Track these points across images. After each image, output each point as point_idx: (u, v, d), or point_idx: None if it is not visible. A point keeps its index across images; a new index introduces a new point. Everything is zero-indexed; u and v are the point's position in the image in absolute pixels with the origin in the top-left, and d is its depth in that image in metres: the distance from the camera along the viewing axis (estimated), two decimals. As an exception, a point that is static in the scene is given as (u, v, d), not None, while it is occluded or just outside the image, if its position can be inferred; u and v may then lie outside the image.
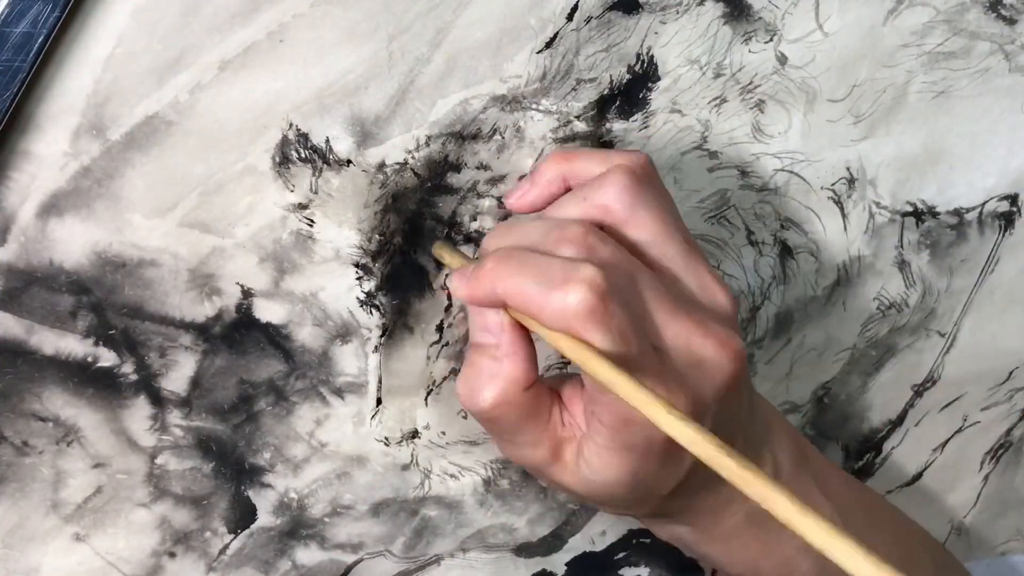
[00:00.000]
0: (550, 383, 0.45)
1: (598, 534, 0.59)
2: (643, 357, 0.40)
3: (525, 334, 0.43)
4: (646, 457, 0.42)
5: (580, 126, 0.51)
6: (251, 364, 0.49)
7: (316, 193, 0.48)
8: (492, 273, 0.42)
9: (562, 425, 0.44)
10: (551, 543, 0.58)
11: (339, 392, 0.51)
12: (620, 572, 0.61)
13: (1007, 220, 0.60)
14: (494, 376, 0.43)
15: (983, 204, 0.59)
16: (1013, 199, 0.59)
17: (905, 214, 0.58)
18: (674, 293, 0.43)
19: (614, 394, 0.38)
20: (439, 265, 0.51)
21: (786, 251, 0.57)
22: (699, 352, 0.42)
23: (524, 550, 0.58)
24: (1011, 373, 0.64)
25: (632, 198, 0.44)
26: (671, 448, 0.41)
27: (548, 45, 0.49)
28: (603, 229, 0.44)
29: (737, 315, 0.46)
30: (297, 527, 0.53)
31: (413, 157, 0.49)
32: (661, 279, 0.43)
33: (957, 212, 0.59)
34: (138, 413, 0.48)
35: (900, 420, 0.64)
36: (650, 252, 0.44)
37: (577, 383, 0.44)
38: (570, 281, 0.39)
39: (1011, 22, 0.55)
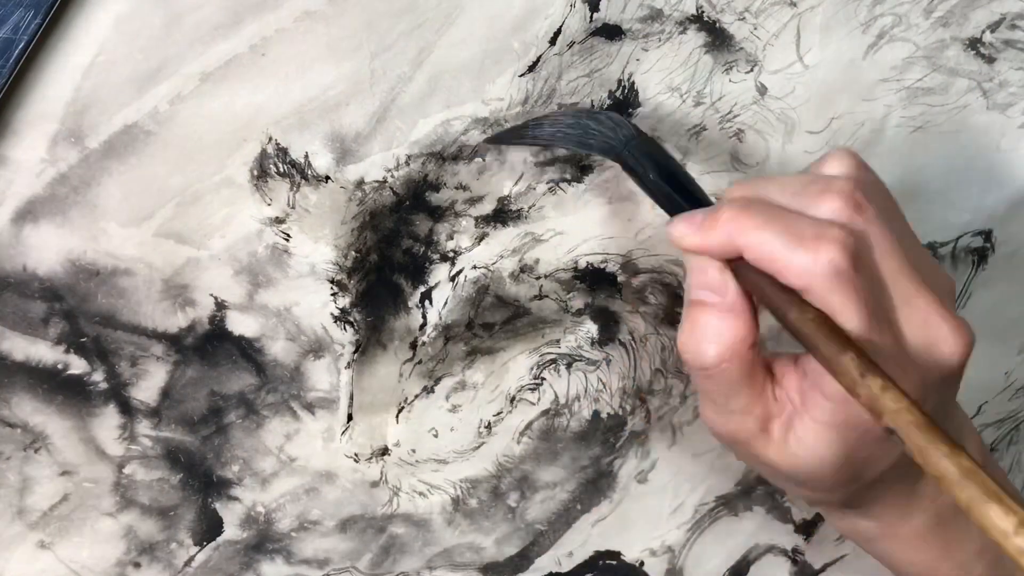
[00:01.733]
0: (764, 358, 0.44)
1: (565, 555, 0.59)
2: (884, 333, 0.39)
3: (748, 294, 0.42)
4: (864, 436, 0.41)
5: (561, 151, 0.51)
6: (222, 376, 0.49)
7: (293, 208, 0.48)
8: (732, 223, 0.40)
9: (774, 399, 0.43)
10: (518, 563, 0.58)
11: (310, 407, 0.51)
12: (586, 595, 0.61)
13: (980, 256, 0.60)
14: (720, 332, 0.41)
15: (957, 239, 0.59)
16: (987, 235, 0.60)
17: (880, 247, 0.58)
18: (917, 264, 0.42)
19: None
20: (413, 283, 0.51)
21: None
22: (935, 334, 0.41)
23: (491, 570, 0.58)
24: (980, 407, 0.64)
25: (864, 169, 0.43)
26: None
27: (530, 69, 0.49)
28: None
29: (955, 297, 0.44)
30: (264, 541, 0.53)
31: (392, 175, 0.49)
32: (907, 249, 0.42)
33: (931, 246, 0.59)
34: (107, 422, 0.48)
35: (870, 451, 0.64)
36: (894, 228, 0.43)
37: (790, 359, 0.43)
38: (822, 239, 0.38)
39: (990, 60, 0.56)
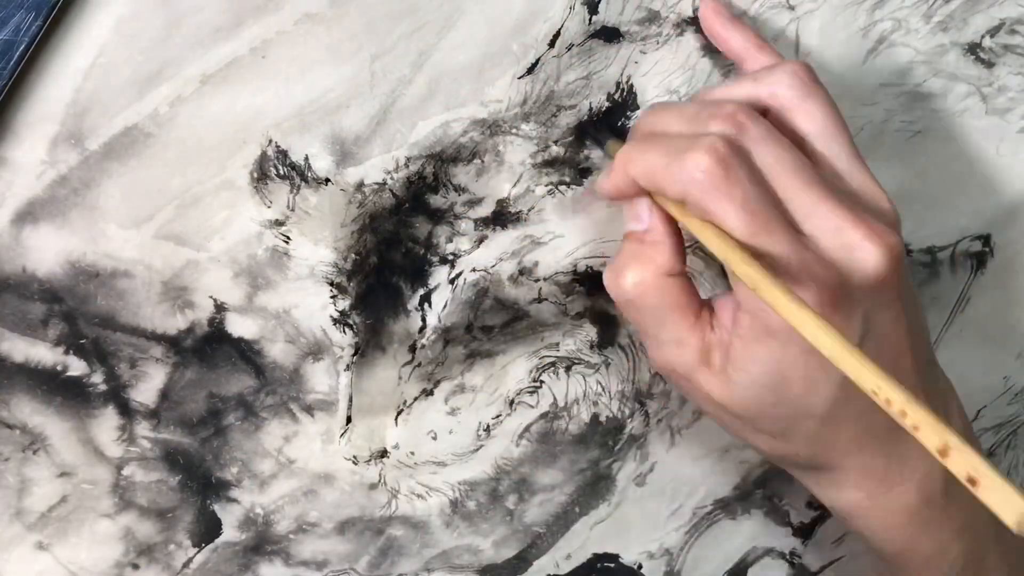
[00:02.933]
0: (711, 298, 0.44)
1: (563, 557, 0.59)
2: (775, 235, 0.40)
3: (674, 226, 0.43)
4: (787, 345, 0.41)
5: (559, 151, 0.51)
6: (221, 378, 0.49)
7: (293, 210, 0.48)
8: (624, 158, 0.42)
9: (711, 329, 0.43)
10: (516, 566, 0.58)
11: (309, 409, 0.51)
12: (584, 597, 0.62)
13: (979, 260, 0.60)
14: (637, 258, 0.43)
15: (956, 243, 0.59)
16: (986, 239, 0.60)
17: (879, 250, 0.58)
18: (830, 184, 0.42)
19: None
20: (413, 285, 0.51)
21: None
22: (849, 240, 0.41)
23: (489, 572, 0.58)
24: (979, 412, 0.64)
25: (805, 88, 0.44)
26: None
27: (529, 71, 0.49)
28: (765, 116, 0.43)
29: (899, 225, 0.44)
30: (262, 543, 0.53)
31: (392, 178, 0.49)
32: (818, 169, 0.43)
33: (930, 250, 0.59)
34: (106, 423, 0.48)
35: (868, 454, 0.64)
36: (815, 145, 0.44)
37: (729, 292, 0.44)
38: (692, 149, 0.40)
39: (989, 65, 0.56)
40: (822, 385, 0.42)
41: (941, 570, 0.48)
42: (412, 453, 0.54)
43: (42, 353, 0.46)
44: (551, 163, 0.51)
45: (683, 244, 0.44)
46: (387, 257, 0.50)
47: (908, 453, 0.45)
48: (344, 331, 0.50)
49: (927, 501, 0.46)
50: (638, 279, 0.43)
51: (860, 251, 0.41)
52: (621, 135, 0.50)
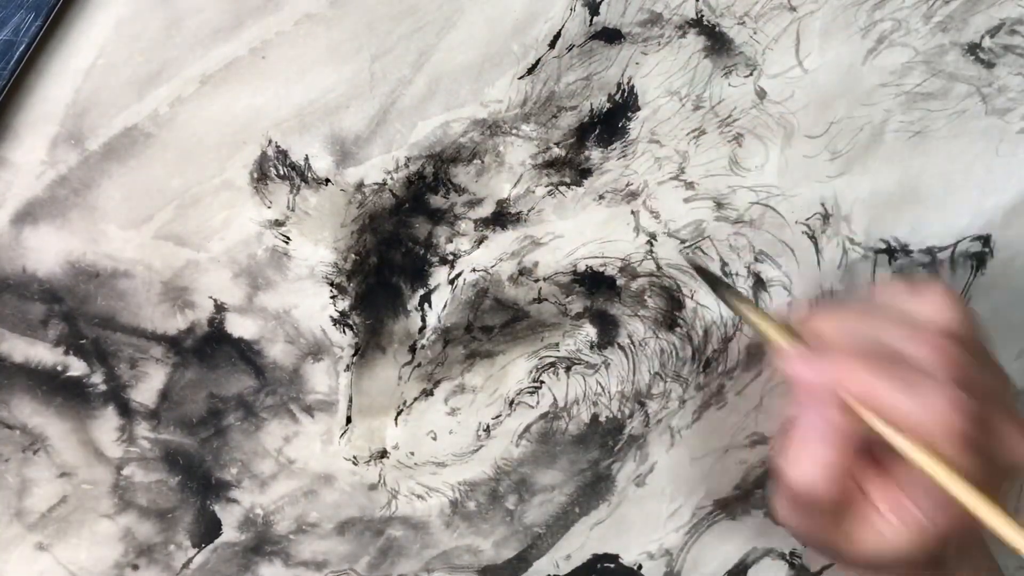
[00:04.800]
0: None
1: (563, 558, 0.59)
2: (984, 468, 0.41)
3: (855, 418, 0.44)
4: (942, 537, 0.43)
5: (559, 152, 0.51)
6: (221, 379, 0.49)
7: (293, 210, 0.48)
8: (841, 368, 0.42)
9: (860, 507, 0.45)
10: (516, 566, 0.58)
11: (309, 410, 0.51)
12: (584, 597, 0.62)
13: (979, 260, 0.60)
14: (829, 460, 0.43)
15: (955, 244, 0.59)
16: (985, 240, 0.60)
17: (878, 251, 0.58)
18: (1012, 405, 0.44)
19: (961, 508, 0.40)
20: (412, 286, 0.51)
21: (759, 284, 0.57)
22: (1019, 451, 0.43)
23: (489, 572, 0.58)
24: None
25: (960, 313, 0.45)
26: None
27: (530, 71, 0.49)
28: None
29: None
30: (262, 543, 0.53)
31: (392, 178, 0.49)
32: (999, 389, 0.44)
33: (930, 251, 0.59)
34: (106, 424, 0.48)
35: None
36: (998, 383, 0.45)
37: (880, 470, 0.45)
38: (941, 398, 0.41)
39: (989, 65, 0.56)
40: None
41: None
42: (412, 453, 0.54)
43: (42, 353, 0.46)
44: (551, 164, 0.51)
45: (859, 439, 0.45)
46: (387, 257, 0.50)
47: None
48: (344, 331, 0.50)
49: None
50: (830, 479, 0.43)
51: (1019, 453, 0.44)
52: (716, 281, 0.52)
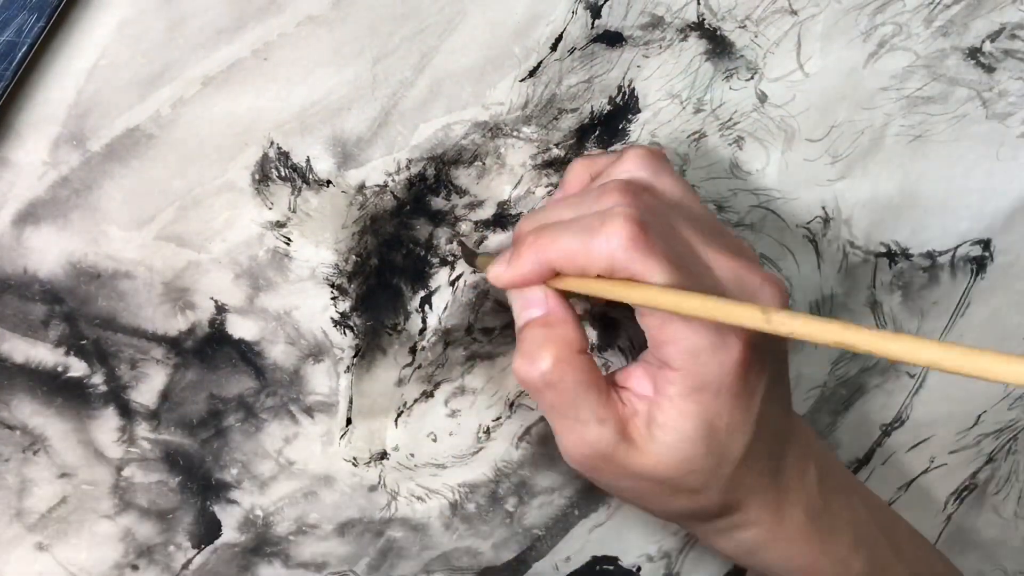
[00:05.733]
0: (607, 377, 0.45)
1: (562, 560, 0.59)
2: (699, 281, 0.42)
3: (569, 304, 0.45)
4: (720, 393, 0.43)
5: (559, 153, 0.51)
6: (222, 380, 0.49)
7: (294, 212, 0.48)
8: (534, 245, 0.43)
9: (623, 404, 0.44)
10: (515, 568, 0.58)
11: (309, 411, 0.51)
12: (583, 600, 0.62)
13: (979, 264, 0.60)
14: (548, 340, 0.43)
15: (956, 248, 0.59)
16: (986, 244, 0.60)
17: (879, 255, 0.58)
18: (714, 237, 0.44)
19: (676, 326, 0.41)
20: (413, 287, 0.51)
21: (760, 287, 0.57)
22: (751, 287, 0.44)
23: (488, 574, 0.58)
24: (979, 417, 0.65)
25: (654, 166, 0.45)
26: (743, 374, 0.43)
27: (531, 74, 0.49)
28: None
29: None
30: (262, 544, 0.53)
31: (393, 180, 0.49)
32: (699, 225, 0.45)
33: (930, 255, 0.59)
34: (106, 424, 0.48)
35: (867, 458, 0.65)
36: (681, 211, 0.45)
37: (633, 365, 0.45)
38: (606, 221, 0.41)
39: (989, 70, 0.56)
40: (741, 426, 0.44)
41: None
42: (412, 455, 0.54)
43: (43, 354, 0.46)
44: (552, 165, 0.51)
45: (579, 319, 0.45)
46: (388, 259, 0.50)
47: (790, 482, 0.48)
48: (345, 333, 0.50)
49: (814, 518, 0.49)
50: (554, 359, 0.43)
51: (761, 292, 0.44)
52: (472, 251, 0.51)
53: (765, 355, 0.44)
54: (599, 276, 0.42)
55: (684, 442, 0.43)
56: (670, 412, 0.43)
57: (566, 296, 0.45)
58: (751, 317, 0.37)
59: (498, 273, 0.44)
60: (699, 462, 0.44)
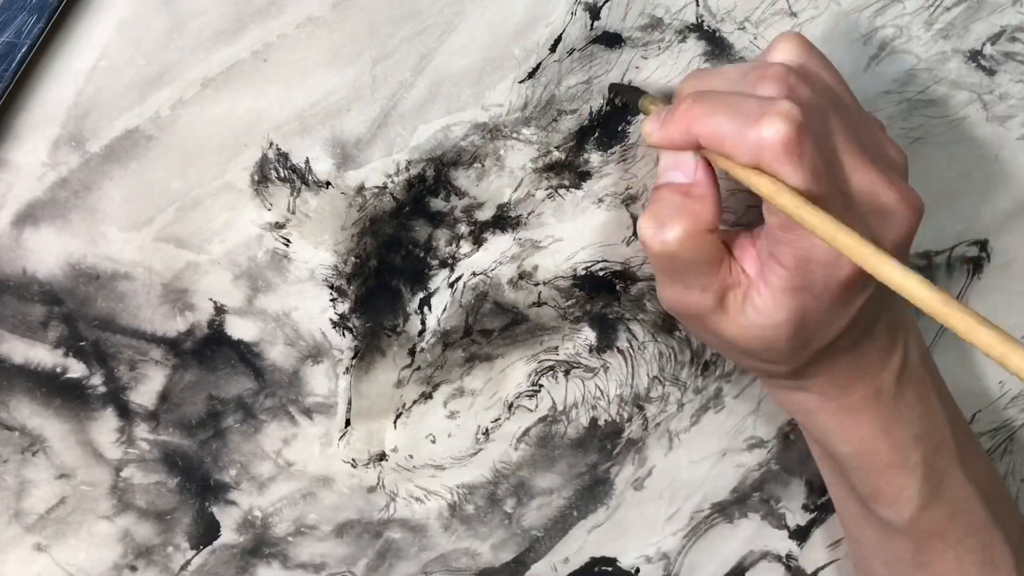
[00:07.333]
0: (721, 236, 0.45)
1: (561, 561, 0.59)
2: (831, 198, 0.41)
3: (715, 181, 0.44)
4: (820, 298, 0.43)
5: (559, 155, 0.51)
6: (221, 381, 0.49)
7: (293, 213, 0.48)
8: (688, 114, 0.43)
9: (729, 273, 0.45)
10: (514, 569, 0.58)
11: (308, 412, 0.51)
12: (581, 600, 0.62)
13: (975, 265, 0.60)
14: (684, 212, 0.44)
15: (952, 248, 0.60)
16: (982, 244, 0.60)
17: (877, 256, 0.58)
18: (861, 141, 0.44)
19: (799, 233, 0.40)
20: (412, 289, 0.51)
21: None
22: (884, 202, 0.43)
23: (487, 575, 0.58)
24: (975, 416, 0.65)
25: (811, 52, 0.45)
26: (846, 290, 0.43)
27: (530, 75, 0.49)
28: None
29: (907, 172, 0.47)
30: (260, 545, 0.53)
31: (392, 181, 0.49)
32: (850, 126, 0.44)
33: (926, 255, 0.59)
34: (105, 425, 0.48)
35: (864, 459, 0.65)
36: (834, 102, 0.45)
37: (747, 236, 0.45)
38: (766, 115, 0.40)
39: (991, 73, 0.56)
40: (832, 324, 0.45)
41: (902, 477, 0.50)
42: (411, 456, 0.54)
43: (42, 355, 0.46)
44: (551, 167, 0.51)
45: (721, 197, 0.45)
46: (387, 260, 0.50)
47: (869, 365, 0.48)
48: (344, 334, 0.50)
49: (883, 400, 0.49)
50: (683, 233, 0.43)
51: (893, 216, 0.44)
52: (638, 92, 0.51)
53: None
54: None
55: (772, 328, 0.44)
56: (767, 299, 0.44)
57: (714, 169, 0.44)
58: (858, 248, 0.37)
59: (649, 131, 0.45)
60: (782, 344, 0.45)
